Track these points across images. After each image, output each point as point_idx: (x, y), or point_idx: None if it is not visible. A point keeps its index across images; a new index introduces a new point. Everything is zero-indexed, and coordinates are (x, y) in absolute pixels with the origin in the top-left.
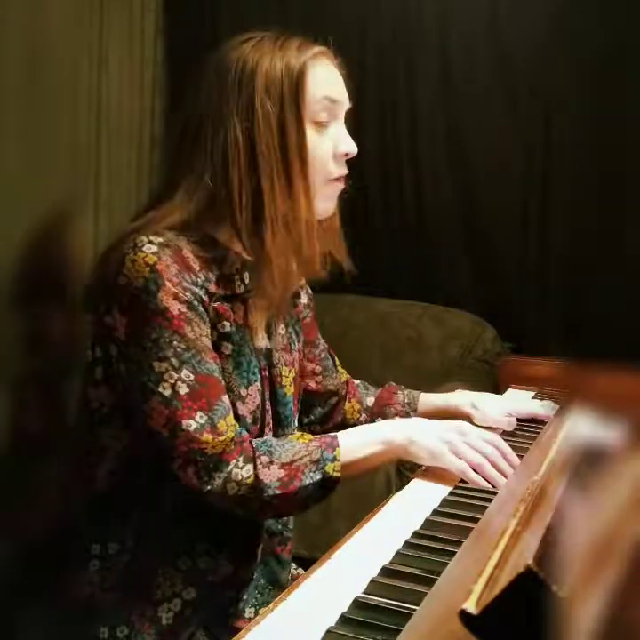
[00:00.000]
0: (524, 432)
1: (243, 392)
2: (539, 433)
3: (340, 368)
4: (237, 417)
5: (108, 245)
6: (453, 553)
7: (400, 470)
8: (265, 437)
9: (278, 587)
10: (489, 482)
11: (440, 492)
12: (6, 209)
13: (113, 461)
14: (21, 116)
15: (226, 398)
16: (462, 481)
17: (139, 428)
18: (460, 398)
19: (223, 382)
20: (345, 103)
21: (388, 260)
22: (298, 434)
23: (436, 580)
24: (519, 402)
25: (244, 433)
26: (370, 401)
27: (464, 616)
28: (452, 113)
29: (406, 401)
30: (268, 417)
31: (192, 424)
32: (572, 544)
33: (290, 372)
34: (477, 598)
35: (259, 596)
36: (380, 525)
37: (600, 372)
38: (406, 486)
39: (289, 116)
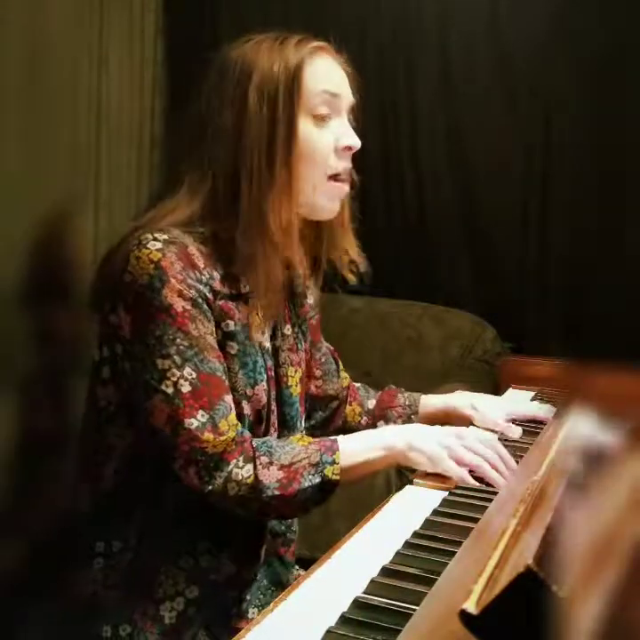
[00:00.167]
0: (524, 432)
1: (248, 391)
2: (538, 433)
3: (342, 373)
4: (242, 417)
5: (111, 245)
6: (453, 553)
7: (400, 471)
8: (265, 438)
9: (281, 588)
10: (488, 483)
11: (440, 492)
12: (6, 209)
13: (118, 460)
14: (21, 115)
15: (228, 398)
16: None
17: (142, 427)
18: (460, 400)
19: (227, 382)
20: (346, 97)
21: (388, 259)
22: (298, 436)
23: (436, 580)
24: (518, 403)
25: (246, 433)
26: (371, 404)
27: (464, 616)
28: (452, 113)
29: (407, 403)
30: (274, 417)
31: (193, 422)
32: (572, 544)
33: (296, 372)
34: (477, 598)
35: (262, 596)
36: (380, 525)
37: (600, 371)
38: (406, 486)
39: (281, 109)
